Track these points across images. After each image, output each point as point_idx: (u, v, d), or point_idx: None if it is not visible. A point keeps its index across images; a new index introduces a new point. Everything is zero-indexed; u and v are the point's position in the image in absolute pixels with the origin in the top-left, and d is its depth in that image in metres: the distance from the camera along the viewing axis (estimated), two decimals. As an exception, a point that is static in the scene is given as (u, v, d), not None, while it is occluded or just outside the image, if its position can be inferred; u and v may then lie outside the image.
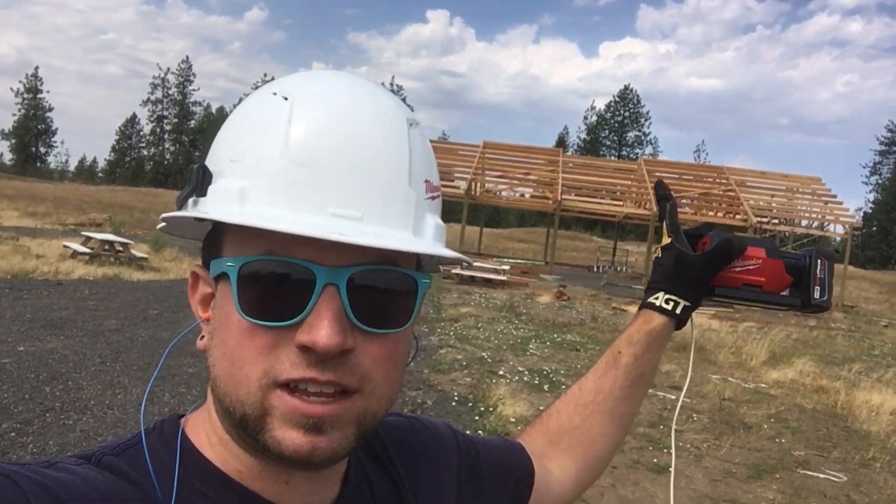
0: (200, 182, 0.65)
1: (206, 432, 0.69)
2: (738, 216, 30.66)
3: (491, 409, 7.30)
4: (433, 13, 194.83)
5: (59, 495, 0.56)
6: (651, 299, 1.02)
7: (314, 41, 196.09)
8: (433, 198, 0.69)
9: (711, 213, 32.66)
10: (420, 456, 0.86)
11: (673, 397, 8.77)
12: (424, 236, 0.66)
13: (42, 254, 15.92)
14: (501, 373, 9.10)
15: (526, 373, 9.18)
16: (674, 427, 1.23)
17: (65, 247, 16.83)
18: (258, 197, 0.61)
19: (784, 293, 0.99)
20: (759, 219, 29.17)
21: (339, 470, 0.73)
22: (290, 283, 0.60)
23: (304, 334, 0.59)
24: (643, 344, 1.02)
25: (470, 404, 7.49)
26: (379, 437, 0.83)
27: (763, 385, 10.13)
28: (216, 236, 0.67)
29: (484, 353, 10.27)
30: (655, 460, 6.33)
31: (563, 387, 8.66)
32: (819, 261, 0.97)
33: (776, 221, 31.17)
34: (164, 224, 0.73)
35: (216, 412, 0.67)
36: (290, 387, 0.60)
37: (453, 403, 7.45)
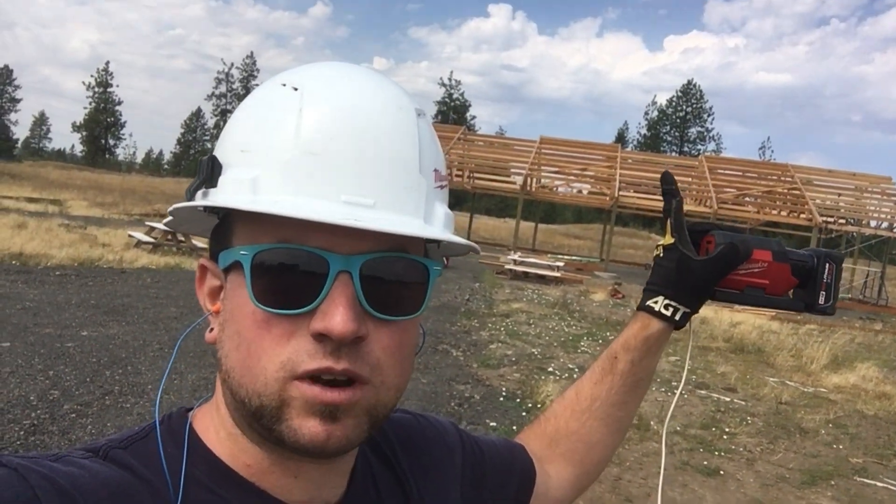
0: (210, 173, 0.65)
1: (214, 426, 0.69)
2: (802, 215, 29.78)
3: (539, 405, 7.25)
4: (495, 7, 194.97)
5: (67, 489, 0.56)
6: (650, 303, 0.98)
7: (376, 36, 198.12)
8: (441, 187, 0.70)
9: (775, 212, 31.80)
10: (425, 453, 0.86)
11: (727, 399, 8.59)
12: (435, 224, 0.67)
13: (108, 243, 16.45)
14: (551, 369, 9.04)
15: (576, 370, 9.10)
16: (665, 429, 1.17)
17: (129, 236, 17.36)
18: (270, 186, 0.61)
19: (788, 295, 0.96)
20: (824, 218, 28.28)
21: (347, 465, 0.73)
22: (304, 270, 0.60)
23: (318, 322, 0.59)
24: (641, 350, 1.00)
25: (518, 400, 7.47)
26: (385, 433, 0.83)
27: (823, 389, 9.83)
28: (226, 228, 0.68)
29: (534, 350, 10.22)
30: (706, 462, 6.21)
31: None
32: (827, 264, 0.94)
33: (843, 221, 30.15)
34: (171, 219, 0.73)
35: (227, 405, 0.67)
36: (308, 377, 0.60)
37: (501, 398, 7.44)
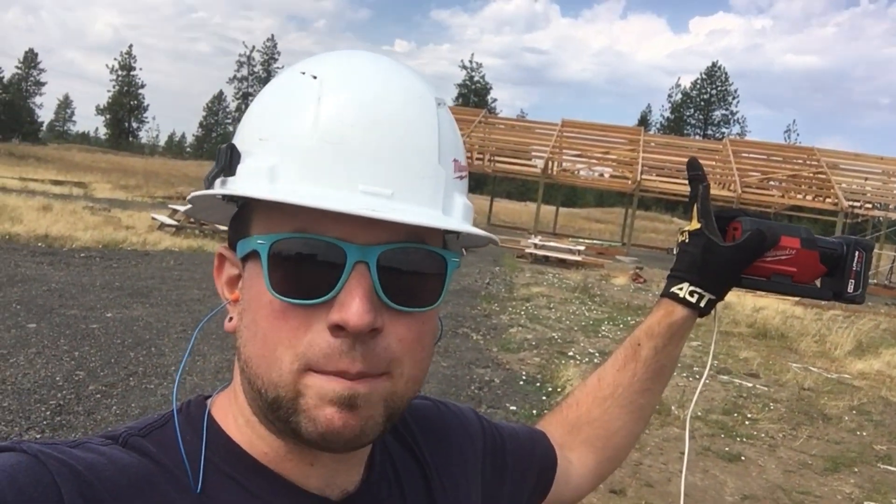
0: (229, 161, 0.65)
1: (232, 414, 0.69)
2: (828, 200, 29.40)
3: (559, 389, 7.26)
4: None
5: (86, 476, 0.57)
6: (675, 289, 0.97)
7: (397, 18, 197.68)
8: (461, 177, 0.68)
9: (800, 197, 31.41)
10: (446, 440, 0.86)
11: (750, 385, 8.53)
12: (454, 215, 0.66)
13: (131, 225, 16.64)
14: (571, 354, 9.03)
15: (597, 354, 9.08)
16: (689, 416, 1.15)
17: (153, 219, 17.55)
18: (288, 175, 0.60)
19: (816, 283, 0.94)
20: (850, 203, 27.90)
21: (364, 452, 0.73)
22: (321, 260, 0.60)
23: (335, 313, 0.59)
24: (664, 337, 0.99)
25: (538, 384, 7.47)
26: (405, 420, 0.83)
27: (846, 376, 9.74)
28: (244, 216, 0.67)
29: (554, 334, 10.21)
30: (727, 448, 6.19)
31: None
32: (857, 252, 0.91)
33: (869, 206, 29.72)
34: (190, 206, 0.73)
35: (245, 393, 0.67)
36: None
37: (521, 382, 7.44)
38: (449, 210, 0.65)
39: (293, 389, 0.60)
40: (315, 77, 0.64)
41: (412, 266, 0.63)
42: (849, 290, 0.92)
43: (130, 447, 0.63)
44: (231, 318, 0.69)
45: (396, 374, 0.63)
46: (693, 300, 0.95)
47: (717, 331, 1.03)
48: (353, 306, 0.58)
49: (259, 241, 0.62)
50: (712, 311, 0.98)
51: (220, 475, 0.65)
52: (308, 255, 0.60)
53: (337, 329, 0.59)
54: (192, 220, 16.80)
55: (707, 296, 0.95)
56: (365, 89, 0.63)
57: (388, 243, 0.61)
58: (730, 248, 0.91)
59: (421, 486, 0.79)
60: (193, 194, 0.68)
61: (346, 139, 0.60)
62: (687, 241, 0.96)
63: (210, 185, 0.67)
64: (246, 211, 0.67)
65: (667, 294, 0.98)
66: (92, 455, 0.59)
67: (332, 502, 0.69)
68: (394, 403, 0.63)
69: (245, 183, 0.63)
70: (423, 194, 0.62)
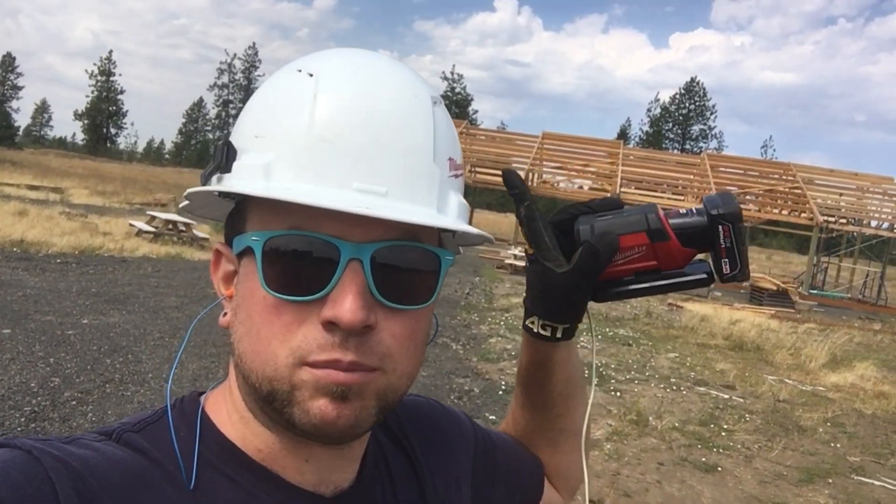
0: (225, 158, 0.65)
1: (227, 410, 0.69)
2: (803, 214, 29.73)
3: (538, 399, 7.25)
4: (501, 2, 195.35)
5: (80, 472, 0.57)
6: (528, 323, 0.87)
7: (381, 28, 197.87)
8: (456, 175, 0.69)
9: (776, 211, 31.75)
10: (437, 436, 0.86)
11: (726, 396, 8.60)
12: (448, 213, 0.66)
13: (108, 231, 16.46)
14: (551, 364, 9.03)
15: (575, 365, 9.09)
16: (583, 441, 0.94)
17: (130, 225, 17.37)
18: (283, 172, 0.61)
19: (690, 268, 0.82)
20: (825, 218, 28.23)
21: (359, 450, 0.73)
22: (315, 258, 0.60)
23: (328, 310, 0.59)
24: (541, 375, 0.92)
25: (517, 394, 7.47)
26: (398, 418, 0.83)
27: (821, 388, 9.84)
28: (240, 213, 0.67)
29: (534, 344, 10.20)
30: (704, 459, 6.23)
31: (613, 381, 8.58)
32: (720, 227, 0.78)
33: (844, 221, 30.12)
34: (187, 203, 0.73)
35: (240, 388, 0.67)
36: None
37: (500, 392, 7.44)
38: (444, 208, 0.65)
39: (288, 383, 0.61)
40: (311, 75, 0.64)
41: (406, 264, 0.63)
42: (726, 272, 0.79)
43: (124, 443, 0.63)
44: (225, 314, 0.69)
45: (389, 369, 0.63)
46: (547, 334, 0.85)
47: (593, 338, 0.93)
48: (346, 303, 0.58)
49: (254, 238, 0.62)
50: (587, 318, 0.88)
51: (213, 471, 0.65)
52: (302, 252, 0.61)
53: (330, 325, 0.59)
54: (170, 226, 16.69)
55: (560, 326, 0.85)
56: (361, 87, 0.63)
57: (382, 241, 0.61)
58: (565, 277, 0.78)
59: (413, 484, 0.79)
60: (190, 191, 0.68)
61: (341, 137, 0.61)
62: (528, 265, 0.85)
63: (206, 181, 0.67)
64: (242, 207, 0.67)
65: (524, 327, 0.89)
66: (86, 451, 0.59)
67: (325, 499, 0.69)
68: (387, 397, 0.64)
69: (241, 180, 0.63)
70: (418, 192, 0.63)
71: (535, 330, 0.86)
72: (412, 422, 0.85)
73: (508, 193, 0.81)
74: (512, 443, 0.99)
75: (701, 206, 0.80)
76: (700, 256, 0.82)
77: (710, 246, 0.79)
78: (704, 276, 0.81)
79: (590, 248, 0.77)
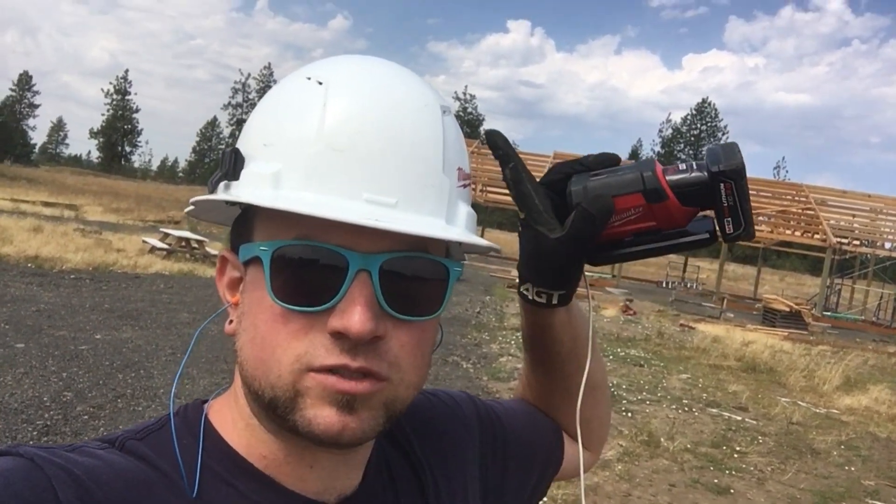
0: (233, 166, 0.64)
1: (231, 417, 0.68)
2: (816, 235, 29.59)
3: (549, 419, 7.21)
4: (514, 23, 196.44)
5: (83, 480, 0.56)
6: (523, 290, 0.84)
7: (395, 49, 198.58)
8: (465, 185, 0.68)
9: (789, 232, 31.62)
10: (439, 435, 0.85)
11: (739, 418, 8.53)
12: (457, 224, 0.65)
13: (122, 248, 16.56)
14: (561, 384, 8.99)
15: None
16: (579, 401, 0.88)
17: (144, 242, 17.49)
18: (292, 181, 0.60)
19: (693, 226, 0.79)
20: (838, 239, 28.08)
21: (363, 457, 0.73)
22: (323, 268, 0.60)
23: (336, 320, 0.59)
24: (545, 338, 0.89)
25: (528, 413, 7.43)
26: (399, 422, 0.81)
27: (835, 411, 9.74)
28: (247, 220, 0.67)
29: (545, 364, 10.16)
30: (716, 481, 6.17)
31: (625, 401, 8.53)
32: (722, 185, 0.74)
33: (857, 242, 29.93)
34: (192, 208, 0.72)
35: (244, 395, 0.67)
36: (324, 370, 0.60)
37: (511, 412, 7.40)
38: (452, 219, 0.65)
39: (292, 390, 0.60)
40: (321, 83, 0.63)
41: (414, 275, 0.63)
42: (728, 232, 0.76)
43: (127, 451, 0.63)
44: (231, 321, 0.68)
45: (396, 379, 0.62)
46: (543, 301, 0.82)
47: (591, 311, 0.88)
48: (354, 314, 0.58)
49: (262, 248, 0.62)
50: (587, 291, 0.86)
51: (216, 479, 0.65)
52: (310, 262, 0.60)
53: (338, 335, 0.59)
54: (183, 244, 16.79)
55: (556, 293, 0.82)
56: (370, 96, 0.62)
57: (390, 252, 0.61)
58: (558, 242, 0.75)
59: (415, 489, 0.79)
60: (195, 198, 0.68)
61: (350, 146, 0.60)
62: (521, 232, 0.80)
63: (214, 188, 0.66)
64: (249, 215, 0.67)
65: (519, 293, 0.86)
66: (89, 459, 0.60)
67: None
68: (394, 406, 0.64)
69: (248, 188, 0.62)
70: (427, 203, 0.62)
71: (531, 297, 0.83)
72: (412, 423, 0.83)
73: (493, 155, 0.78)
74: (522, 412, 0.97)
75: (702, 159, 0.76)
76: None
77: (712, 204, 0.76)
78: (707, 235, 0.79)
79: (583, 213, 0.74)
